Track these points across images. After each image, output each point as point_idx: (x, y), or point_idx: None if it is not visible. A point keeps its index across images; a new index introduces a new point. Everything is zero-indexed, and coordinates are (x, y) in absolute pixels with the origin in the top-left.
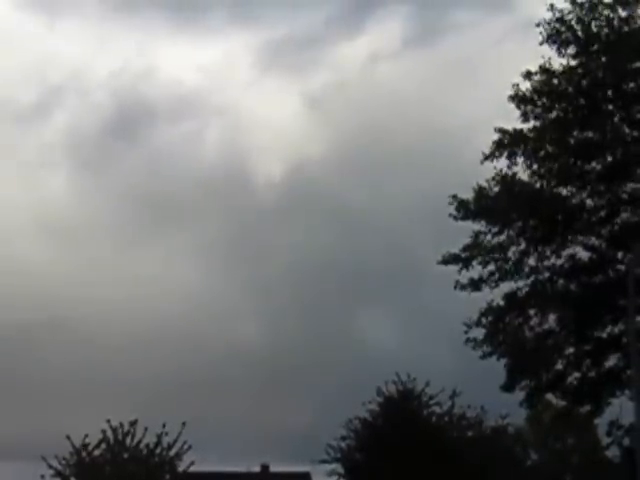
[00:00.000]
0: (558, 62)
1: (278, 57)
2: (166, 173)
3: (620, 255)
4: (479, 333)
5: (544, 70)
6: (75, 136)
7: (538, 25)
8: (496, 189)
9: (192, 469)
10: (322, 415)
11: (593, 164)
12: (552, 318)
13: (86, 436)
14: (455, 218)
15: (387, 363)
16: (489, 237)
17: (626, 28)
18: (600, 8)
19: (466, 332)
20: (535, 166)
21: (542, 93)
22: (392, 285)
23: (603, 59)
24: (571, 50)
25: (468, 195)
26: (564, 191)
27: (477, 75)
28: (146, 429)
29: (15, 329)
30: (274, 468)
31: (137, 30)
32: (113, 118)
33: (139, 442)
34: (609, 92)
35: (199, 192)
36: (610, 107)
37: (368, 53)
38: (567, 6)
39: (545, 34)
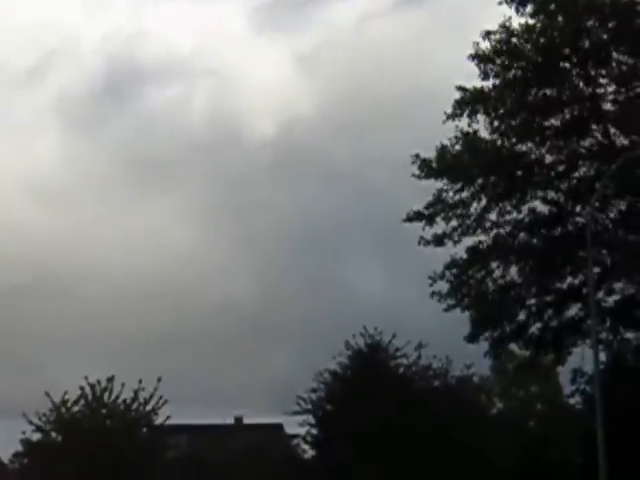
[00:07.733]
0: (517, 22)
1: (269, 17)
2: (158, 134)
3: (578, 208)
4: (444, 287)
5: (504, 28)
6: (66, 99)
7: None
8: (458, 147)
9: (168, 422)
10: (296, 368)
11: (552, 120)
12: (514, 270)
13: (65, 393)
14: (418, 177)
15: (361, 316)
16: (451, 194)
17: None
18: None
19: (431, 285)
20: (495, 123)
21: (501, 52)
22: (373, 239)
23: (559, 18)
24: (529, 9)
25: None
26: (524, 147)
27: (468, 34)
28: (123, 385)
29: (2, 290)
30: (247, 420)
31: None
32: (104, 81)
33: (116, 398)
34: (566, 50)
35: (190, 152)
36: (567, 65)
37: (359, 13)
38: None
39: None
